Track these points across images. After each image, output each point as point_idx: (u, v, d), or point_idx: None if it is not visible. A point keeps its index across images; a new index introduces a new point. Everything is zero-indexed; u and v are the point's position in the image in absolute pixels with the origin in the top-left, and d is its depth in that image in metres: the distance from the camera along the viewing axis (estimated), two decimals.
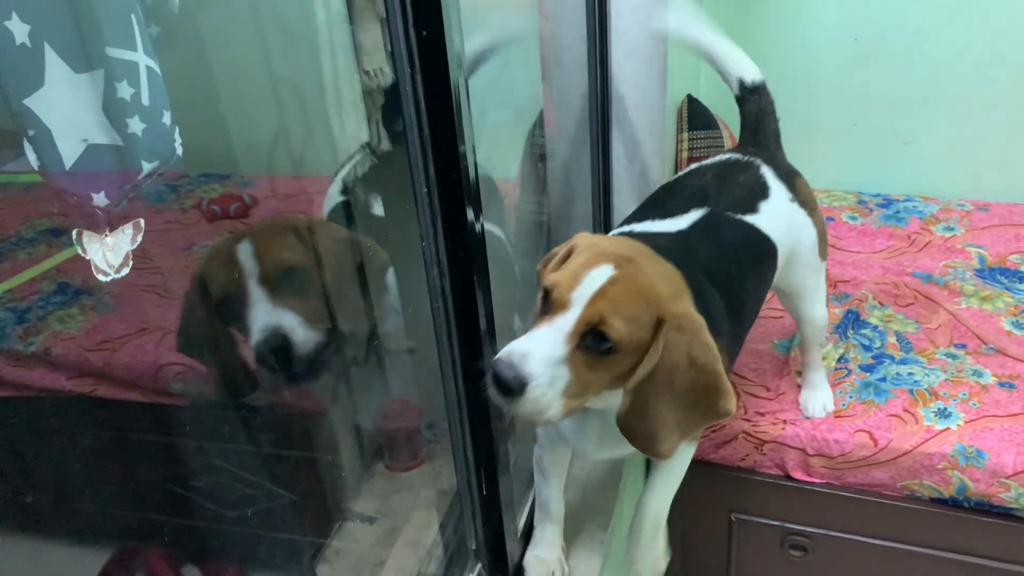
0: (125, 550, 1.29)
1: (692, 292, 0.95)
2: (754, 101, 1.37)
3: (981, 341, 1.60)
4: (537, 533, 1.19)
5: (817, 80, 2.17)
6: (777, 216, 1.25)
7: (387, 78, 0.83)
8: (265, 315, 0.87)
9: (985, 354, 1.57)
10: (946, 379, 1.51)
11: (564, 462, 1.16)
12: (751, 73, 1.36)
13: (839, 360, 1.59)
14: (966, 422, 1.41)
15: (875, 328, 1.67)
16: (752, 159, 1.31)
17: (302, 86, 1.21)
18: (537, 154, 1.71)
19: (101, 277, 0.60)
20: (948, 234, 1.98)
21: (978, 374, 1.51)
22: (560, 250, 0.95)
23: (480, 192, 0.88)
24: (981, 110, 2.08)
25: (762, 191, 1.26)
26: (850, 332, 1.66)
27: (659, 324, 0.86)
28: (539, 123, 1.69)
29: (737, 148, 1.39)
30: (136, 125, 0.61)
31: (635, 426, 0.89)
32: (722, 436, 1.53)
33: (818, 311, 1.40)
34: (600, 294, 0.85)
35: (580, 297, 0.85)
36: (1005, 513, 1.39)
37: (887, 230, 2.01)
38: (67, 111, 0.57)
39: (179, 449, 1.47)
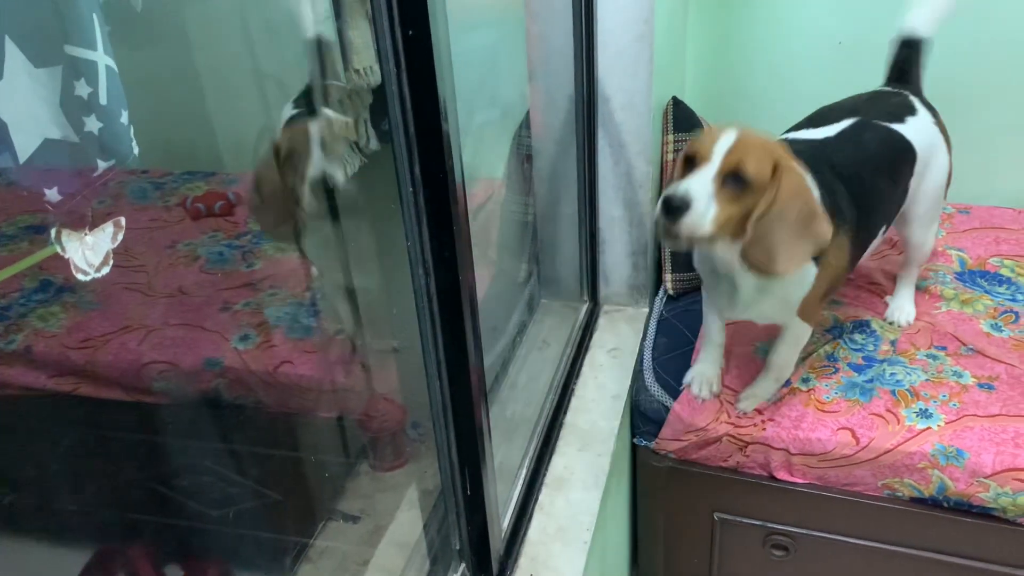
0: (107, 549, 1.28)
1: (818, 184, 1.24)
2: (913, 50, 1.57)
3: (961, 343, 1.62)
4: (702, 354, 1.58)
5: (801, 83, 2.19)
6: (920, 130, 1.48)
7: (377, 76, 0.83)
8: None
9: (965, 355, 1.58)
10: (927, 379, 1.53)
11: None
12: (925, 28, 1.55)
13: (828, 358, 1.60)
14: (947, 423, 1.42)
15: (872, 332, 1.68)
16: (902, 90, 1.56)
17: (287, 83, 1.20)
18: (523, 154, 1.71)
19: (80, 276, 0.60)
20: None
21: (958, 375, 1.53)
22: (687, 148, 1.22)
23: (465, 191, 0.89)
24: (963, 114, 2.10)
25: (910, 110, 1.51)
26: (845, 334, 1.67)
27: (775, 169, 1.15)
28: (526, 123, 1.69)
29: (885, 85, 1.62)
30: (93, 123, 0.61)
31: (756, 253, 1.17)
32: (705, 437, 1.54)
33: (928, 239, 1.63)
34: (733, 148, 1.14)
35: (718, 152, 1.15)
36: (984, 513, 1.41)
37: None
38: (25, 105, 0.57)
39: (161, 448, 1.47)
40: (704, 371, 1.56)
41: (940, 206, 1.61)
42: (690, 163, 1.18)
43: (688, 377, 1.58)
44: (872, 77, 1.65)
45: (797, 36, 2.17)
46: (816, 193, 1.21)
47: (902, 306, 1.72)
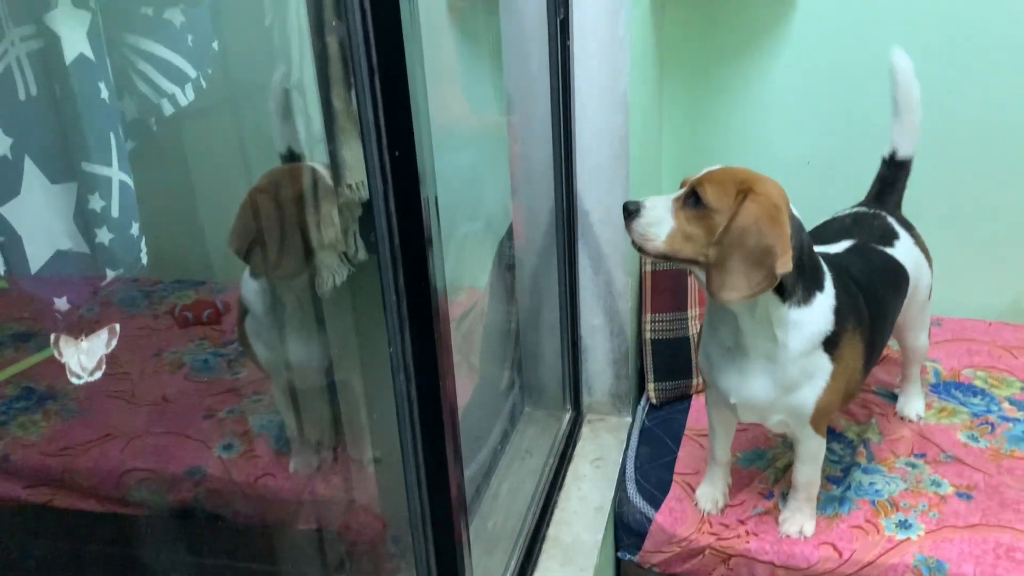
0: None
1: (839, 286, 1.31)
2: (895, 171, 1.65)
3: (940, 450, 1.63)
4: (707, 472, 1.59)
5: None
6: (906, 254, 1.57)
7: (367, 192, 0.88)
8: None
9: (944, 462, 1.59)
10: (906, 488, 1.53)
11: (728, 421, 1.52)
12: (907, 148, 1.62)
13: None
14: (927, 532, 1.42)
15: (849, 442, 1.69)
16: (878, 211, 1.64)
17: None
18: (506, 264, 1.76)
19: (75, 380, 0.61)
20: None
21: (936, 484, 1.54)
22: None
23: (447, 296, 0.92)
24: (931, 231, 2.19)
25: (893, 234, 1.60)
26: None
27: (741, 196, 1.18)
28: (509, 235, 1.75)
29: (861, 204, 1.70)
30: (104, 235, 0.64)
31: (714, 275, 1.20)
32: (688, 548, 1.52)
33: (922, 339, 1.74)
34: (703, 176, 1.23)
35: (690, 181, 1.24)
36: None
37: None
38: (39, 219, 0.60)
39: (135, 560, 1.43)
40: (710, 492, 1.57)
41: (928, 311, 1.72)
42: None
43: (697, 494, 1.59)
44: (839, 194, 1.74)
45: (767, 155, 2.28)
46: (789, 230, 1.18)
47: (910, 401, 1.80)
